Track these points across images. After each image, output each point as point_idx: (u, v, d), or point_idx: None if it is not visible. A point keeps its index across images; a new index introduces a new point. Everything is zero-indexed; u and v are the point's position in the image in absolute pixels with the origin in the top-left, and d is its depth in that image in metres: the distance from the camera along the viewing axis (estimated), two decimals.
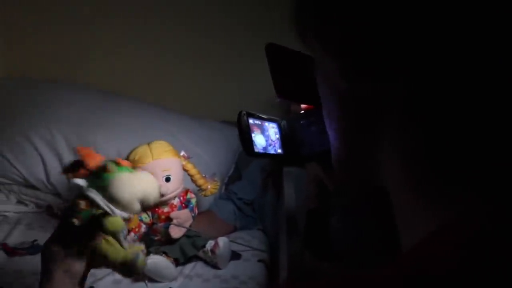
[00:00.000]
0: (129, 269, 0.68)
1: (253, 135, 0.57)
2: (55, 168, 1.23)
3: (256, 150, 0.57)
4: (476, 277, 0.22)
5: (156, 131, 1.29)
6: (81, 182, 0.66)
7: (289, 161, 0.64)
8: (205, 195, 1.12)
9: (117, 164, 0.70)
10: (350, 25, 0.29)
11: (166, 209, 1.03)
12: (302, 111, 0.63)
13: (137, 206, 0.70)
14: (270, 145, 0.60)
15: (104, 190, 0.65)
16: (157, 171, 0.99)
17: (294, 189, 1.04)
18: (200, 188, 1.11)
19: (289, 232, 0.85)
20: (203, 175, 1.12)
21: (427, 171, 0.29)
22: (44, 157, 1.24)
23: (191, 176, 1.10)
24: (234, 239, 1.16)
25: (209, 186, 1.11)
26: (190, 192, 1.10)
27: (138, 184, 0.70)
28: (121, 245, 0.66)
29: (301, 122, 0.62)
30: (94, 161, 0.70)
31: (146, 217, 1.03)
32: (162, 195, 0.98)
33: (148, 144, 1.07)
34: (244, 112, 0.58)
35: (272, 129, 0.62)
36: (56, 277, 0.61)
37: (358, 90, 0.31)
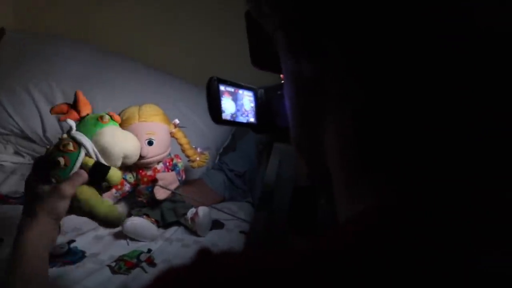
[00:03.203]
0: (109, 221, 0.72)
1: (222, 102, 0.56)
2: (51, 122, 1.25)
3: (224, 117, 0.56)
4: (363, 260, 0.23)
5: (155, 94, 1.29)
6: (72, 124, 0.68)
7: (262, 131, 0.62)
8: (192, 167, 1.12)
9: (111, 117, 0.72)
10: None
11: (149, 172, 1.03)
12: (282, 81, 0.62)
13: (119, 162, 0.73)
14: (242, 114, 0.59)
15: (95, 138, 0.69)
16: (140, 133, 0.99)
17: (280, 165, 1.03)
18: (189, 159, 1.11)
19: (259, 205, 0.85)
20: (195, 146, 1.12)
21: (356, 155, 0.29)
22: (41, 111, 1.26)
23: (180, 145, 1.10)
24: (220, 208, 1.16)
25: (198, 158, 1.11)
26: (178, 157, 1.11)
27: (127, 140, 0.74)
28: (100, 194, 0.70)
29: (279, 92, 0.60)
30: (86, 109, 0.73)
31: (130, 177, 1.04)
32: (142, 157, 0.99)
33: (140, 106, 1.07)
34: (215, 78, 0.57)
35: (247, 98, 0.60)
36: (38, 215, 0.63)
37: (303, 66, 0.30)
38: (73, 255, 0.88)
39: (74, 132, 0.70)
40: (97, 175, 0.68)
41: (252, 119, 0.60)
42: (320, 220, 1.10)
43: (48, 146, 0.73)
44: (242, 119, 0.59)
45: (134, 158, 0.79)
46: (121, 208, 0.73)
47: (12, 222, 0.99)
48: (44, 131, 1.25)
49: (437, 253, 0.22)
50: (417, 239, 0.23)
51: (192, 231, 1.06)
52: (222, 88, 0.57)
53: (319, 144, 0.32)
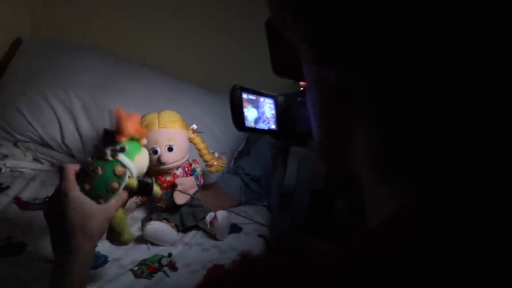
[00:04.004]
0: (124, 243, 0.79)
1: (245, 109, 0.58)
2: (70, 130, 1.27)
3: (246, 124, 0.57)
4: (403, 262, 0.23)
5: (170, 101, 1.31)
6: (125, 148, 0.72)
7: (283, 137, 0.63)
8: (210, 171, 1.14)
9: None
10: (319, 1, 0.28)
11: (168, 178, 1.05)
12: (302, 89, 0.63)
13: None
14: (264, 121, 0.60)
15: (134, 159, 0.72)
16: (160, 140, 1.01)
17: (298, 169, 1.04)
18: (206, 164, 1.12)
19: (281, 209, 0.86)
20: (212, 151, 1.13)
21: (386, 157, 0.29)
22: (60, 118, 1.28)
23: (198, 150, 1.11)
24: (238, 212, 1.17)
25: (215, 163, 1.12)
26: (196, 162, 1.12)
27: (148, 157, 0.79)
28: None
29: (299, 99, 0.61)
30: (132, 126, 0.74)
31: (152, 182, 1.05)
32: (162, 163, 1.01)
33: (159, 112, 1.08)
34: (238, 86, 0.58)
35: (268, 105, 0.61)
36: (93, 234, 0.65)
37: (328, 74, 0.31)
38: (96, 259, 0.89)
39: (123, 157, 0.71)
40: (144, 192, 0.75)
41: (273, 126, 0.61)
42: (337, 223, 1.10)
43: (91, 161, 0.71)
44: (263, 126, 0.60)
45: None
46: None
47: (34, 227, 1.01)
48: (62, 137, 1.27)
49: (459, 256, 0.23)
50: (450, 241, 0.24)
51: (211, 235, 1.07)
52: (244, 96, 0.58)
53: (345, 147, 0.33)
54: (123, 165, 0.70)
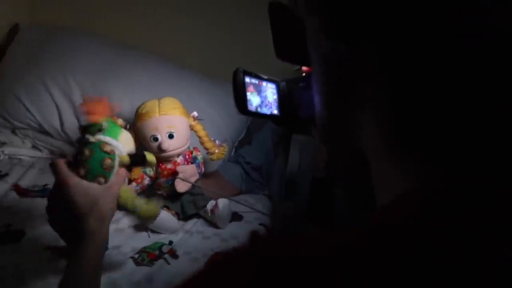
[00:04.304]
0: (148, 216, 0.79)
1: (248, 93, 0.56)
2: (69, 117, 1.26)
3: (249, 108, 0.56)
4: (428, 232, 0.23)
5: (172, 87, 1.29)
6: (104, 126, 0.71)
7: (284, 122, 0.62)
8: (211, 159, 1.13)
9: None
10: None
11: (169, 166, 1.04)
12: (304, 74, 0.61)
13: None
14: (266, 105, 0.59)
15: (118, 139, 0.72)
16: (161, 127, 0.99)
17: (299, 157, 1.03)
18: (207, 152, 1.11)
19: (286, 196, 0.85)
20: (213, 139, 1.12)
21: (396, 137, 0.29)
22: (59, 105, 1.26)
23: (199, 137, 1.10)
24: (238, 201, 1.17)
25: (216, 151, 1.11)
26: (197, 150, 1.11)
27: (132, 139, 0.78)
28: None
29: (301, 84, 0.60)
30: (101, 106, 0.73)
31: (150, 171, 1.04)
32: (163, 151, 0.99)
33: (159, 99, 1.07)
34: (241, 69, 0.57)
35: (270, 90, 0.60)
36: (105, 219, 0.65)
37: (338, 51, 0.30)
38: None
39: (104, 137, 0.70)
40: (139, 162, 0.74)
41: (275, 111, 0.60)
42: (337, 211, 1.10)
43: (80, 149, 0.70)
44: (265, 110, 0.59)
45: None
46: (155, 203, 0.78)
47: (33, 214, 1.01)
48: (61, 124, 1.26)
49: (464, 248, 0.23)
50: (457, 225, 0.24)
51: (212, 223, 1.06)
52: (247, 80, 0.57)
53: (352, 125, 0.32)
54: (109, 144, 0.70)
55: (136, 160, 0.73)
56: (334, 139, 0.37)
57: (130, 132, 0.78)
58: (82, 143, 0.70)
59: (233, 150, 1.40)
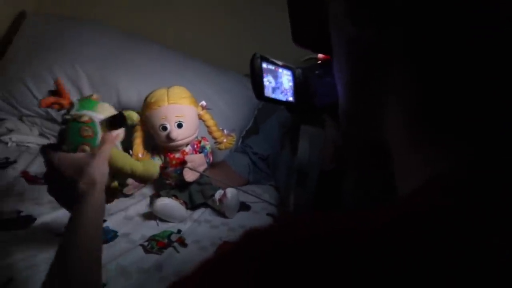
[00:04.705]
0: (148, 174, 0.77)
1: (265, 79, 0.56)
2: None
3: (266, 94, 0.56)
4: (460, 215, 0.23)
5: (178, 77, 1.29)
6: (75, 104, 0.76)
7: (299, 110, 0.62)
8: (219, 148, 1.12)
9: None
10: None
11: (177, 155, 1.04)
12: (319, 61, 0.61)
13: None
14: (282, 92, 0.59)
15: (95, 110, 0.75)
16: (170, 116, 0.99)
17: (309, 148, 1.03)
18: (215, 141, 1.11)
19: (298, 185, 0.85)
20: (221, 128, 1.12)
21: (423, 124, 0.28)
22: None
23: (207, 127, 1.10)
24: (246, 190, 1.16)
25: (225, 140, 1.11)
26: (205, 139, 1.11)
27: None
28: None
29: (316, 72, 0.60)
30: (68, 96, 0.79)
31: (158, 160, 1.04)
32: (172, 140, 0.99)
33: (168, 88, 1.06)
34: (258, 55, 0.56)
35: (286, 77, 0.60)
36: (97, 180, 0.65)
37: (365, 35, 0.30)
38: (106, 234, 0.89)
39: (80, 111, 0.74)
40: (118, 121, 0.75)
41: (290, 98, 0.60)
42: (344, 205, 1.10)
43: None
44: (281, 97, 0.58)
45: None
46: (154, 161, 0.79)
47: (42, 201, 1.01)
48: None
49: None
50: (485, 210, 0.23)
51: (219, 213, 1.07)
52: (264, 65, 0.57)
53: (377, 111, 0.32)
54: (84, 115, 0.73)
55: (115, 121, 0.74)
56: (356, 127, 0.37)
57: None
58: (62, 124, 0.76)
59: (240, 140, 1.40)
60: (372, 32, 0.29)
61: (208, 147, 1.10)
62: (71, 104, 0.76)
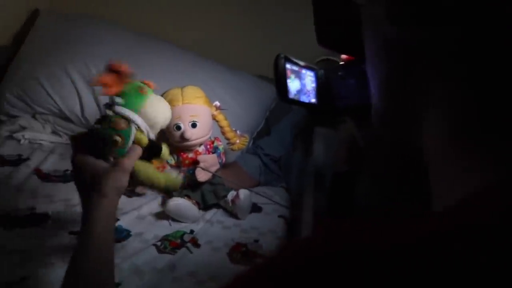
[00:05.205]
0: (170, 188, 0.74)
1: (288, 80, 0.55)
2: (89, 103, 1.26)
3: (290, 96, 0.55)
4: None
5: (191, 77, 1.29)
6: (119, 100, 0.67)
7: (322, 112, 0.61)
8: (232, 149, 1.12)
9: (148, 86, 0.71)
10: None
11: (190, 155, 1.03)
12: (342, 62, 0.60)
13: (158, 130, 0.73)
14: (305, 93, 0.58)
15: (142, 111, 0.68)
16: (184, 116, 0.99)
17: (324, 150, 1.02)
18: (228, 142, 1.10)
19: (316, 189, 0.84)
20: (234, 129, 1.11)
21: (474, 129, 0.27)
22: (80, 91, 1.26)
23: (221, 127, 1.09)
24: (257, 192, 1.16)
25: (237, 141, 1.11)
26: (218, 140, 1.10)
27: (166, 109, 0.74)
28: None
29: (339, 73, 0.59)
30: (126, 78, 0.70)
31: (171, 159, 1.04)
32: (185, 140, 0.99)
33: (182, 87, 1.06)
34: (282, 56, 0.55)
35: (309, 78, 0.59)
36: (107, 194, 0.62)
37: (407, 35, 0.28)
38: (119, 233, 0.89)
39: (120, 108, 0.68)
40: (152, 153, 0.71)
41: (313, 100, 0.59)
42: (357, 208, 1.08)
43: (94, 125, 0.70)
44: (304, 99, 0.58)
45: (166, 125, 0.77)
46: (176, 174, 0.75)
47: (56, 199, 1.01)
48: (82, 110, 1.26)
49: None
50: None
51: (231, 214, 1.06)
52: (288, 66, 0.56)
53: (415, 115, 0.30)
54: (125, 118, 0.67)
55: (153, 150, 0.70)
56: (390, 131, 0.35)
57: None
58: (98, 121, 0.69)
59: (251, 142, 1.40)
60: (416, 31, 0.28)
61: (221, 147, 1.10)
62: (118, 94, 0.68)
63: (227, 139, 1.10)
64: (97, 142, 0.66)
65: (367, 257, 0.21)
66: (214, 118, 1.07)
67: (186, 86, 1.06)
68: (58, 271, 0.76)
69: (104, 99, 0.71)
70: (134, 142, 0.68)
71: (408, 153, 0.36)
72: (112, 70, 0.69)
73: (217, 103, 1.08)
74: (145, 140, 0.69)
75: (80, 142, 0.67)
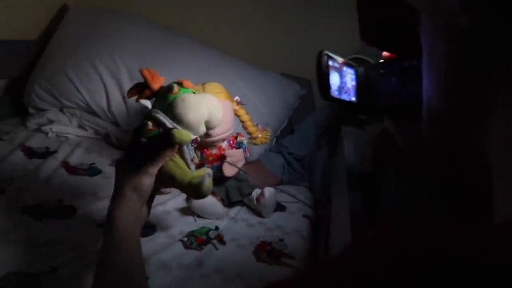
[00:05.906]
0: (195, 190, 0.69)
1: (330, 78, 0.54)
2: (116, 98, 1.27)
3: (331, 94, 0.54)
4: None
5: (215, 74, 1.28)
6: (147, 103, 0.67)
7: (361, 111, 0.60)
8: (255, 144, 1.11)
9: (181, 85, 0.71)
10: None
11: (214, 151, 1.03)
12: (382, 60, 0.59)
13: (202, 128, 0.71)
14: (345, 91, 0.57)
15: (169, 111, 0.67)
16: None
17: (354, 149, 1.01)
18: (250, 136, 1.09)
19: (350, 189, 0.82)
20: (256, 123, 1.10)
21: None
22: (107, 86, 1.27)
23: (242, 122, 1.08)
24: (282, 190, 1.15)
25: (259, 135, 1.09)
26: (241, 135, 1.10)
27: (201, 104, 0.70)
28: (187, 166, 0.68)
29: (381, 71, 0.58)
30: (158, 83, 0.72)
31: (195, 157, 1.03)
32: (208, 135, 0.98)
33: (203, 84, 1.06)
34: (325, 52, 0.54)
35: (349, 75, 0.58)
36: (126, 193, 0.63)
37: (481, 26, 0.26)
38: (145, 228, 0.89)
39: (150, 110, 0.69)
40: (165, 141, 0.67)
41: (353, 98, 0.58)
42: (383, 208, 1.07)
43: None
44: (345, 97, 0.57)
45: (218, 119, 0.74)
46: (208, 178, 0.70)
47: (83, 192, 1.02)
48: (108, 105, 1.27)
49: None
50: None
51: (255, 212, 1.05)
52: (330, 63, 0.55)
53: (480, 115, 0.28)
54: (157, 120, 0.67)
55: (164, 137, 0.66)
56: (449, 134, 0.33)
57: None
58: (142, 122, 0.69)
59: (274, 140, 1.39)
60: (492, 23, 0.25)
61: (245, 142, 1.08)
62: (157, 94, 0.70)
63: (249, 133, 1.09)
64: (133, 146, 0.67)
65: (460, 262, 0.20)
66: (235, 113, 1.07)
67: (206, 82, 1.06)
68: (86, 262, 0.76)
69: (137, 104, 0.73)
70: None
71: (464, 154, 0.34)
72: (143, 76, 0.71)
73: (237, 98, 1.07)
74: (188, 137, 0.67)
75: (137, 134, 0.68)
